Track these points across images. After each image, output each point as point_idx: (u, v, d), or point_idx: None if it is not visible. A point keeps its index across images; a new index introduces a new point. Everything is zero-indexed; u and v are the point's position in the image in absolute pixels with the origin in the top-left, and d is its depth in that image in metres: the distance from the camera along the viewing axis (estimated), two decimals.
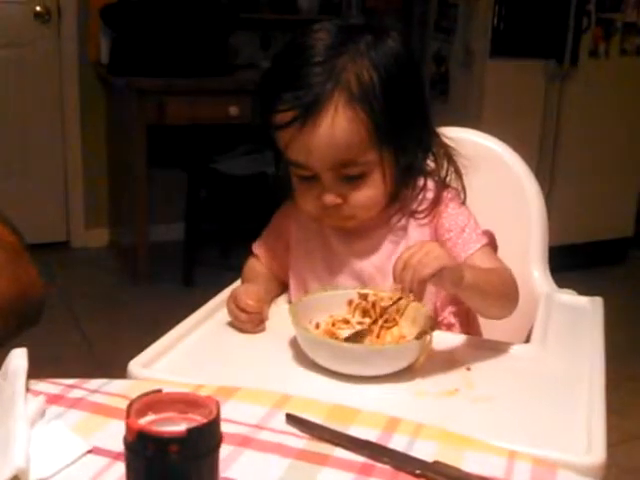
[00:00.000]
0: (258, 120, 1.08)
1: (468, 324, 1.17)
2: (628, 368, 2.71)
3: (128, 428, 0.51)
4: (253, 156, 3.26)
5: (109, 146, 3.66)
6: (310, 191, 1.06)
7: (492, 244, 1.13)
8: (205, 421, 0.51)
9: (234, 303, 1.06)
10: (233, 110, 3.16)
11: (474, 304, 1.05)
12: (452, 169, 1.12)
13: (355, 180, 1.04)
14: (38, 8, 3.48)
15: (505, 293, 1.05)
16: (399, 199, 1.10)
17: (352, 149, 1.01)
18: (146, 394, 0.54)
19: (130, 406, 0.52)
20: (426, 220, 1.10)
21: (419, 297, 0.93)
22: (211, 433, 0.52)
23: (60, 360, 2.58)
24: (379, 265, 1.11)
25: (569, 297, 1.24)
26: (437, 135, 1.12)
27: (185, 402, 0.55)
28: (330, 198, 1.04)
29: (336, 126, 0.99)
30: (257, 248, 1.23)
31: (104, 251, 3.74)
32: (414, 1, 3.64)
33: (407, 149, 1.07)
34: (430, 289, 1.10)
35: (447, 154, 1.12)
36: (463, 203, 1.14)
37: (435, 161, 1.12)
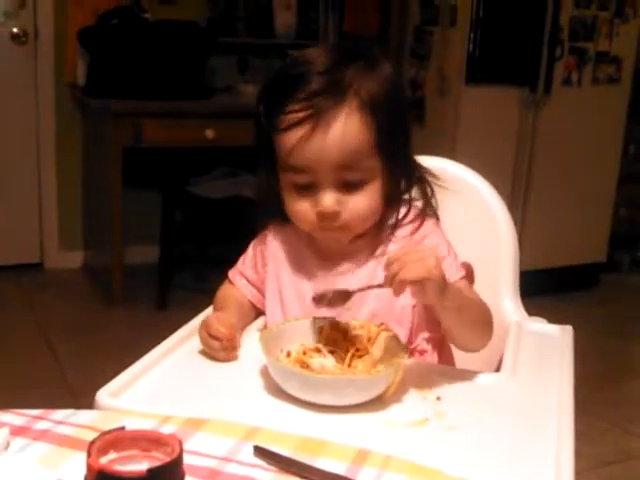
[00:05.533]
0: (258, 125, 1.08)
1: (441, 351, 1.17)
2: (599, 393, 2.72)
3: (89, 467, 0.50)
4: (228, 179, 3.26)
5: (84, 168, 3.65)
6: (306, 200, 1.06)
7: (470, 277, 1.14)
8: (167, 460, 0.51)
9: (206, 330, 1.06)
10: (209, 133, 3.16)
11: (451, 326, 1.05)
12: (433, 200, 1.14)
13: (354, 187, 1.05)
14: (15, 29, 3.47)
15: (482, 324, 1.07)
16: (383, 224, 1.11)
17: (359, 152, 1.02)
18: (108, 432, 0.54)
19: (92, 445, 0.52)
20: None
21: (396, 293, 0.94)
22: (172, 472, 0.51)
23: (31, 384, 2.54)
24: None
25: (539, 325, 1.25)
26: (419, 166, 1.14)
27: (148, 440, 0.54)
28: (329, 202, 1.04)
29: (348, 128, 1.01)
30: (232, 275, 1.23)
31: (78, 273, 3.71)
32: (390, 27, 3.67)
33: (396, 171, 1.09)
34: (406, 315, 1.11)
35: (429, 186, 1.14)
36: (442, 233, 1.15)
37: (421, 190, 1.14)
